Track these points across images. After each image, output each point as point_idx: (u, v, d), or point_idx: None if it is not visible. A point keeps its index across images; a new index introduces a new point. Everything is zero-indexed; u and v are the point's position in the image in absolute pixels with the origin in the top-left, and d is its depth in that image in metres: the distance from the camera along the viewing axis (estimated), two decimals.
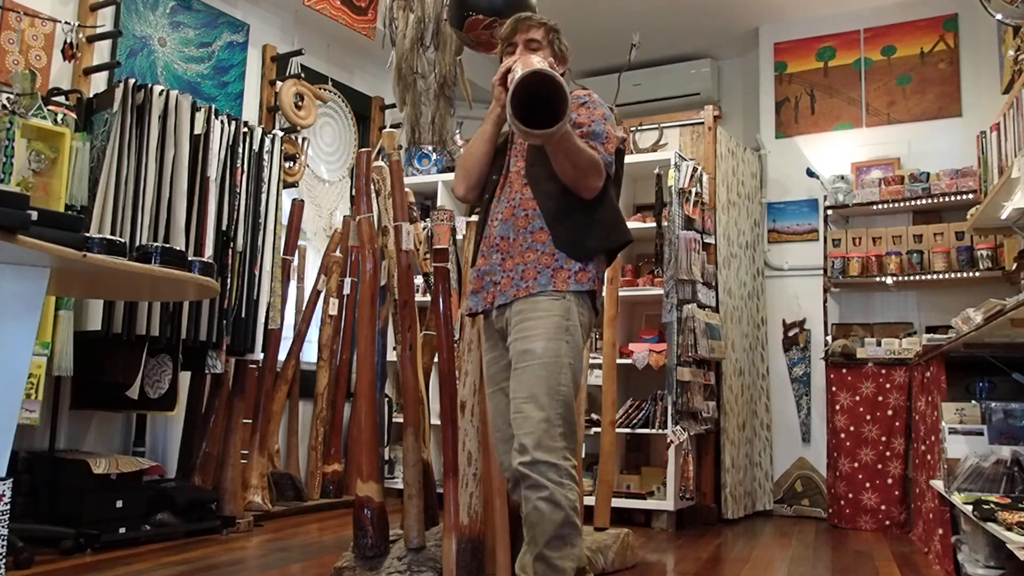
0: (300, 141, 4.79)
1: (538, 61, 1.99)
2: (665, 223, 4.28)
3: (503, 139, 2.28)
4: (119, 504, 3.26)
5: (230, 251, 3.67)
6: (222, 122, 3.68)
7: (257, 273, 3.80)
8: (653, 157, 4.50)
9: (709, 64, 5.65)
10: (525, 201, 2.13)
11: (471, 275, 2.28)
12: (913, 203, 4.54)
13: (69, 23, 3.72)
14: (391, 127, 5.37)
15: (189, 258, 2.47)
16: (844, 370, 4.45)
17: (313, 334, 4.76)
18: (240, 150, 3.75)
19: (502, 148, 2.27)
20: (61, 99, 3.54)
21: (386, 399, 4.56)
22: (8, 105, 3.10)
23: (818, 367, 4.80)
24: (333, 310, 4.74)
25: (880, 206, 4.61)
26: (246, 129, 3.80)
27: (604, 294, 2.26)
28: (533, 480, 1.92)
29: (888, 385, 4.34)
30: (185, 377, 3.87)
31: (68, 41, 3.69)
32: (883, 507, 4.26)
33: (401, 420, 3.02)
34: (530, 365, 2.00)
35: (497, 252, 2.15)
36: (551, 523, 1.91)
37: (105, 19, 3.98)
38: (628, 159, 4.44)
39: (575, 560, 1.95)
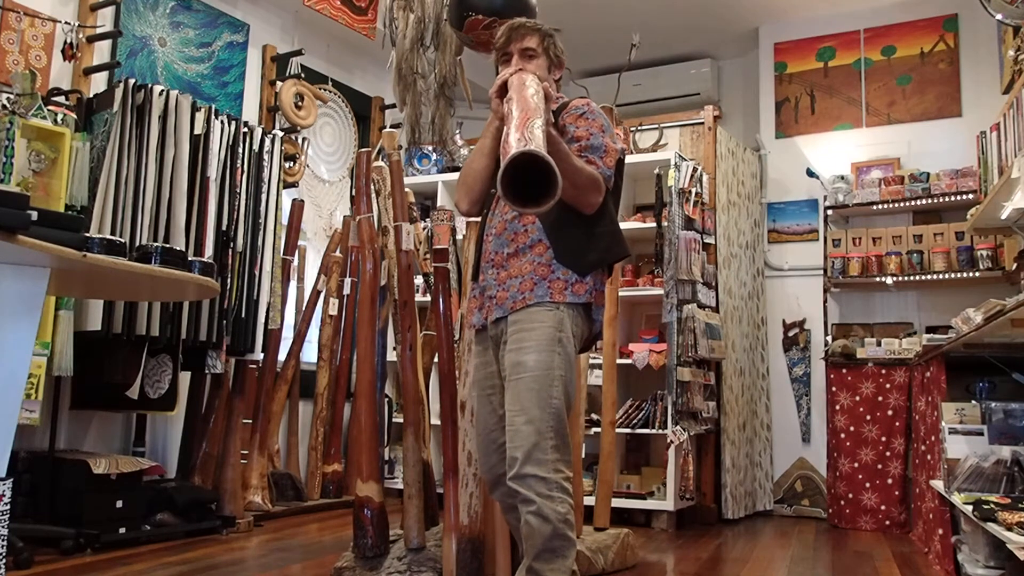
0: (300, 141, 4.79)
1: (532, 82, 1.93)
2: (665, 223, 4.28)
3: None
4: (119, 504, 3.26)
5: (230, 251, 3.67)
6: (222, 122, 3.68)
7: (257, 273, 3.80)
8: (653, 157, 4.50)
9: (709, 64, 5.65)
10: (523, 215, 2.10)
11: (472, 292, 2.28)
12: (913, 203, 4.54)
13: (69, 23, 3.72)
14: (391, 127, 5.37)
15: (189, 258, 2.47)
16: (844, 370, 4.44)
17: (313, 334, 4.76)
18: (240, 150, 3.75)
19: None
20: (61, 99, 3.54)
21: (386, 399, 4.56)
22: (8, 105, 3.10)
23: (818, 367, 4.80)
24: (333, 310, 4.74)
25: (880, 206, 4.61)
26: (246, 129, 3.80)
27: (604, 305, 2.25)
28: (522, 495, 1.93)
29: (888, 385, 4.34)
30: (185, 377, 3.86)
31: (68, 41, 3.69)
32: (883, 507, 4.26)
33: (401, 420, 3.02)
34: (522, 378, 2.00)
35: (492, 267, 2.15)
36: (540, 536, 1.92)
37: (105, 19, 3.97)
38: (628, 159, 4.45)
39: (566, 572, 1.95)
